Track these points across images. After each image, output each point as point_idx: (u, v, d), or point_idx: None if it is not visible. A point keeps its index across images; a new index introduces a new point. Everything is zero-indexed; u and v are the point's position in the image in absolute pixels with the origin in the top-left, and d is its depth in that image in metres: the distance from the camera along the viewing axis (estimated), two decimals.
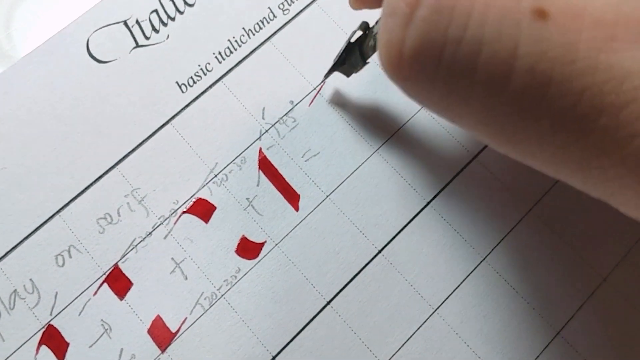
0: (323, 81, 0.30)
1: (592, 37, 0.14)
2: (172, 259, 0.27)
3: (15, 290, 0.27)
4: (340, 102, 0.30)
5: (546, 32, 0.14)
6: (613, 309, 0.27)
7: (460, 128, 0.18)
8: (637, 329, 0.27)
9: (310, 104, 0.30)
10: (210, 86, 0.30)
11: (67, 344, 0.26)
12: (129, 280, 0.27)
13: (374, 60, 0.28)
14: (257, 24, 0.31)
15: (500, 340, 0.27)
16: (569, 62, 0.14)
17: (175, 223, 0.28)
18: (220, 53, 0.31)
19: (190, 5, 0.31)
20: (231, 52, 0.31)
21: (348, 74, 0.29)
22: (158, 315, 0.27)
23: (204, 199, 0.28)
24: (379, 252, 0.28)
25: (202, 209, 0.28)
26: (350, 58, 0.28)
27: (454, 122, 0.18)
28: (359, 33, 0.27)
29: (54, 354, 0.26)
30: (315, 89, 0.30)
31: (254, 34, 0.31)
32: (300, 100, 0.30)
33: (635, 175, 0.14)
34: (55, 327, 0.26)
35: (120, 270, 0.27)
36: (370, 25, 0.26)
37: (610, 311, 0.27)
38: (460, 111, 0.17)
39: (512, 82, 0.15)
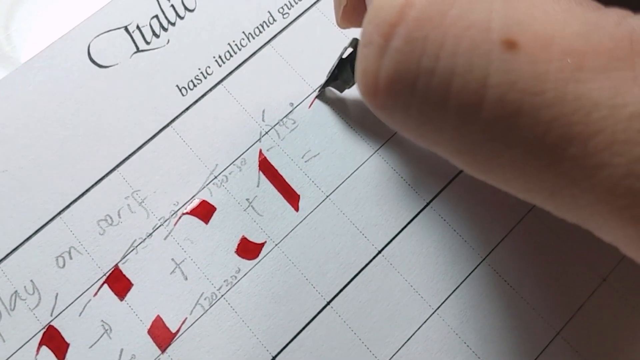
0: (317, 96, 0.30)
1: (560, 68, 0.14)
2: (172, 259, 0.27)
3: (15, 292, 0.27)
4: (337, 101, 0.30)
5: (515, 63, 0.14)
6: (613, 309, 0.27)
7: (436, 154, 0.18)
8: (637, 329, 0.27)
9: (310, 105, 0.30)
10: (211, 89, 0.30)
11: (68, 345, 0.26)
12: (129, 280, 0.27)
13: None
14: (257, 27, 0.31)
15: (500, 341, 0.27)
16: (537, 92, 0.14)
17: (175, 224, 0.28)
18: (220, 57, 0.31)
19: (191, 11, 0.32)
20: (231, 55, 0.31)
21: (341, 90, 0.29)
22: (158, 316, 0.27)
23: (204, 200, 0.28)
24: (379, 252, 0.28)
25: (202, 210, 0.28)
26: (343, 74, 0.28)
27: (430, 148, 0.18)
28: (350, 50, 0.27)
29: (54, 354, 0.26)
30: (315, 91, 0.30)
31: (253, 38, 0.31)
32: (300, 102, 0.30)
33: (604, 204, 0.14)
34: (55, 328, 0.26)
35: (121, 271, 0.27)
36: None
37: (610, 312, 0.27)
38: (435, 139, 0.17)
39: (484, 111, 0.15)
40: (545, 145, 0.14)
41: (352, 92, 0.30)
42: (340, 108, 0.30)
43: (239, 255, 0.28)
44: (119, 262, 0.27)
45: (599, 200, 0.14)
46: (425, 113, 0.16)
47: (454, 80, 0.15)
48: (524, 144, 0.15)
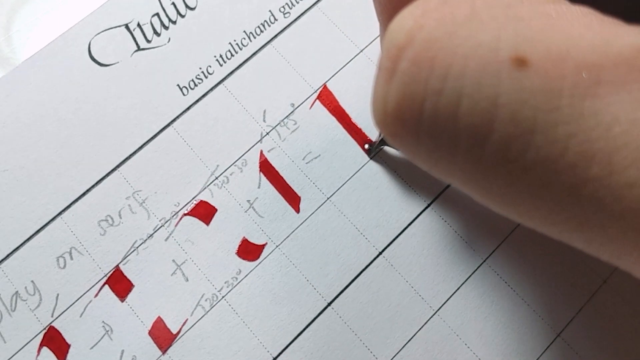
0: (371, 157, 0.29)
1: (575, 83, 0.13)
2: (173, 260, 0.27)
3: (16, 292, 0.27)
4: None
5: (527, 80, 0.14)
6: (613, 311, 0.27)
7: (456, 187, 0.17)
8: (637, 331, 0.27)
9: (311, 106, 0.30)
10: (212, 89, 0.30)
11: (68, 346, 0.26)
12: (130, 281, 0.27)
13: None
14: (258, 27, 0.31)
15: (501, 342, 0.27)
16: (552, 109, 0.13)
17: (176, 225, 0.28)
18: (221, 56, 0.31)
19: (192, 9, 0.32)
20: (232, 55, 0.31)
21: None
22: (159, 317, 0.27)
23: (205, 201, 0.28)
24: (380, 253, 0.28)
25: (203, 211, 0.28)
26: None
27: (447, 180, 0.17)
28: None
29: (55, 355, 0.26)
30: (316, 91, 0.30)
31: (255, 37, 0.31)
32: (301, 103, 0.30)
33: (638, 232, 0.13)
34: (56, 329, 0.26)
35: (122, 272, 0.27)
36: None
37: (610, 313, 0.27)
38: (448, 167, 0.16)
39: (495, 131, 0.14)
40: (565, 166, 0.13)
41: (354, 93, 0.30)
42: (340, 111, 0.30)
43: (239, 256, 0.28)
44: (119, 262, 0.27)
45: (631, 229, 0.13)
46: (435, 137, 0.15)
47: (462, 101, 0.14)
48: (541, 165, 0.14)
